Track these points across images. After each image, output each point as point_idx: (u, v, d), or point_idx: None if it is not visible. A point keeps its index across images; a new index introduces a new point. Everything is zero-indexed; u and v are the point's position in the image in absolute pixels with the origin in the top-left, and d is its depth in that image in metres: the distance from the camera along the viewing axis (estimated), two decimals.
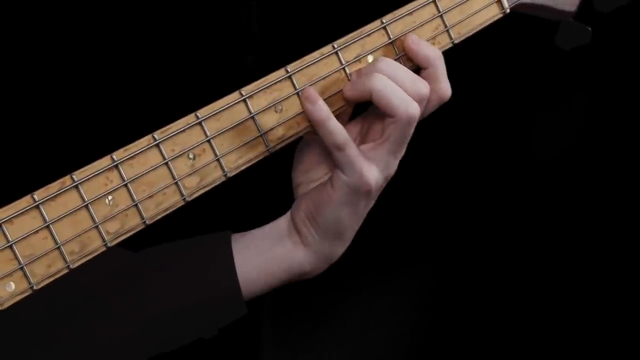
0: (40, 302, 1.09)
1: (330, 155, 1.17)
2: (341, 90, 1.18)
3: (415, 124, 1.15)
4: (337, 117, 1.18)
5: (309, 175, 1.21)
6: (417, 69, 1.20)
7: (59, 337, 1.15)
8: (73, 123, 1.80)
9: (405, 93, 1.15)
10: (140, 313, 1.16)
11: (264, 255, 1.18)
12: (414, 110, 1.14)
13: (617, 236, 2.05)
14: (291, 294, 1.60)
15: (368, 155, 1.16)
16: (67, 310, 1.16)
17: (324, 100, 1.16)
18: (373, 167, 1.16)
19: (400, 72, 1.16)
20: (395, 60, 1.19)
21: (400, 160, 1.18)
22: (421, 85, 1.16)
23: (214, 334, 1.19)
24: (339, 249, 1.20)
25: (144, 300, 1.17)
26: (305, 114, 1.16)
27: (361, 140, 1.21)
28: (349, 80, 1.18)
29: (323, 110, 1.15)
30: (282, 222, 1.20)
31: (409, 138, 1.16)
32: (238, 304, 1.17)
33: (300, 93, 1.16)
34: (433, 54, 1.19)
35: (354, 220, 1.18)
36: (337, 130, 1.15)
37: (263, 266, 1.18)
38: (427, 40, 1.20)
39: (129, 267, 1.20)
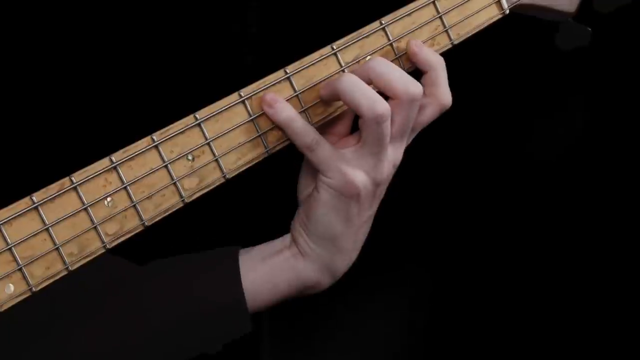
0: (41, 303, 1.09)
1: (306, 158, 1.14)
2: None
3: (388, 123, 1.11)
4: (337, 123, 1.17)
5: (311, 189, 1.17)
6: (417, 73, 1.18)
7: (56, 341, 1.15)
8: (72, 124, 1.80)
9: (375, 92, 1.11)
10: (142, 323, 1.15)
11: (266, 265, 1.16)
12: (381, 108, 1.10)
13: (615, 237, 2.05)
14: None
15: (348, 158, 1.13)
16: (68, 315, 1.16)
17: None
18: (356, 170, 1.12)
19: (391, 70, 1.13)
20: (393, 60, 1.17)
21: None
22: (411, 85, 1.12)
23: (218, 349, 1.17)
24: (340, 260, 1.16)
25: (147, 311, 1.15)
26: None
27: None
28: None
29: (284, 112, 1.12)
30: (286, 236, 1.18)
31: (385, 138, 1.11)
32: (243, 318, 1.16)
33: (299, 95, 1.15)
34: (435, 59, 1.16)
35: (348, 227, 1.14)
36: (304, 130, 1.12)
37: (266, 276, 1.16)
38: (426, 41, 1.19)
39: (133, 276, 1.18)
